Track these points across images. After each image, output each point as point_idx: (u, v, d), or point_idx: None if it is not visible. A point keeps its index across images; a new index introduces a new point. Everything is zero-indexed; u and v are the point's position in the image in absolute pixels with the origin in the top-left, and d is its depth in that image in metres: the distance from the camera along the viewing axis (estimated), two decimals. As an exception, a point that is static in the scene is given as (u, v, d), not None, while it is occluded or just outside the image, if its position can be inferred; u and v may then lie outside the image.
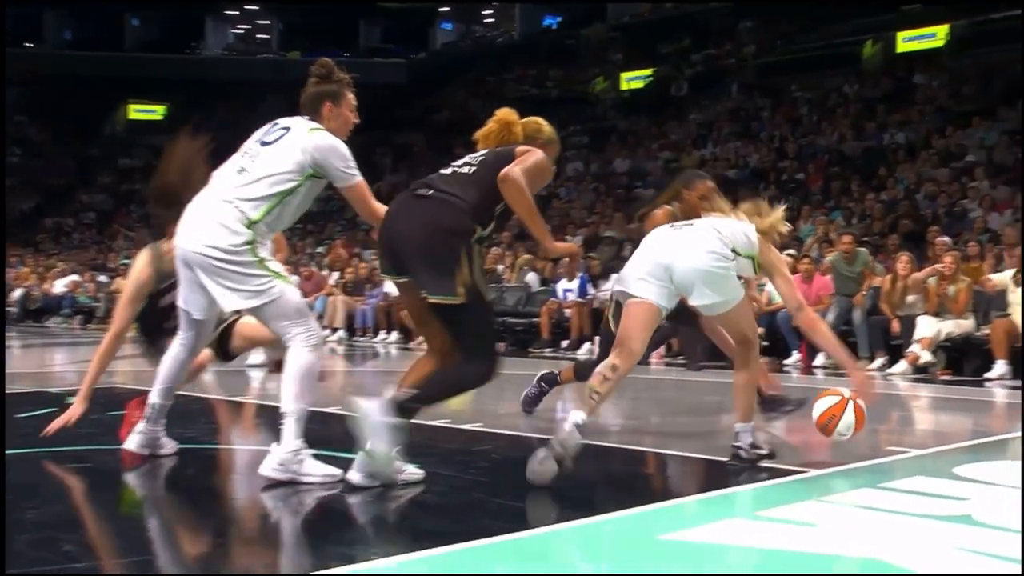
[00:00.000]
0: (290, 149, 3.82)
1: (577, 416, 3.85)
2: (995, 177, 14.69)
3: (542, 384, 6.11)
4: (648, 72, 28.34)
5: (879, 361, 10.03)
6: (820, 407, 4.42)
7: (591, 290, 13.22)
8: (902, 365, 9.73)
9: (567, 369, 6.07)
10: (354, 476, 3.66)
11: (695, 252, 4.14)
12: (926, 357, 9.68)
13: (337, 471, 3.74)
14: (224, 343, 4.93)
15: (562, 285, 13.63)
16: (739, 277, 4.36)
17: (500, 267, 16.19)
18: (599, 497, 3.65)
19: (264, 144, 3.89)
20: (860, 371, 4.65)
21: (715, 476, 4.11)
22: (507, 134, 4.05)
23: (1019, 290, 9.53)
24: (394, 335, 14.98)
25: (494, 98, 30.43)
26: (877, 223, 14.23)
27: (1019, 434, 5.95)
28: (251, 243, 3.74)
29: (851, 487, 3.69)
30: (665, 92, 26.78)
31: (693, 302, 4.23)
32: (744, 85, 24.99)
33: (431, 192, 3.72)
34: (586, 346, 12.66)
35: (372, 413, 3.63)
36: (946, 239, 11.50)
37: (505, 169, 3.70)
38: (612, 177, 21.84)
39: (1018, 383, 8.93)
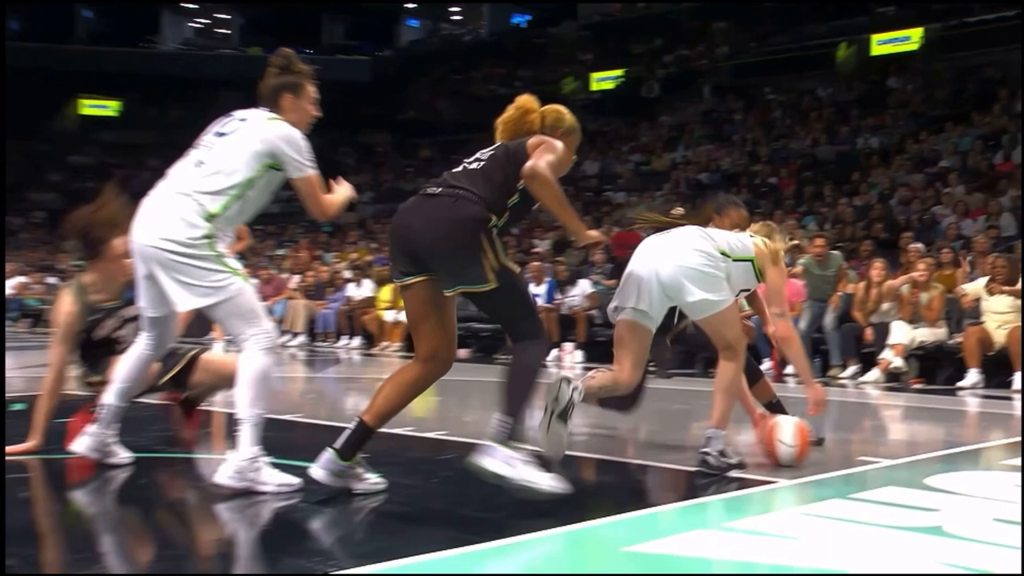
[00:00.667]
0: (248, 140, 3.81)
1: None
2: (969, 183, 14.90)
3: None
4: (619, 72, 28.48)
5: (851, 369, 10.14)
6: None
7: (559, 295, 13.26)
8: (874, 373, 9.84)
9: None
10: (317, 472, 3.65)
11: (680, 250, 4.30)
12: (898, 363, 9.80)
13: (295, 480, 3.72)
14: (183, 375, 4.92)
15: (529, 290, 13.63)
16: (746, 290, 4.55)
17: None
18: (565, 507, 3.65)
19: (221, 135, 3.87)
20: (818, 388, 4.75)
21: (683, 486, 4.14)
22: (526, 122, 3.99)
23: (992, 299, 9.67)
24: (356, 340, 14.93)
25: (461, 98, 30.47)
26: (849, 228, 14.40)
27: (991, 444, 6.04)
28: (210, 237, 3.72)
29: (821, 498, 3.73)
30: (636, 93, 26.93)
31: (681, 301, 4.33)
32: (717, 87, 25.20)
33: (440, 190, 3.72)
34: (553, 353, 12.68)
35: (494, 464, 3.53)
36: (919, 246, 11.64)
37: (530, 163, 3.65)
38: (581, 180, 21.90)
39: (990, 392, 9.07)
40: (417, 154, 28.37)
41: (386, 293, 15.28)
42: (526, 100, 4.07)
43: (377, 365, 12.48)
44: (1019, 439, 6.40)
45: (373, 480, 3.77)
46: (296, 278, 16.92)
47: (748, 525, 3.27)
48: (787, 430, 4.50)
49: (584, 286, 13.27)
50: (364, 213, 24.43)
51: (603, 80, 29.01)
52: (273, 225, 21.64)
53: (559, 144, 3.80)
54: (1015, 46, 19.89)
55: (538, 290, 13.48)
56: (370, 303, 15.23)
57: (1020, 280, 9.63)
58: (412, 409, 8.09)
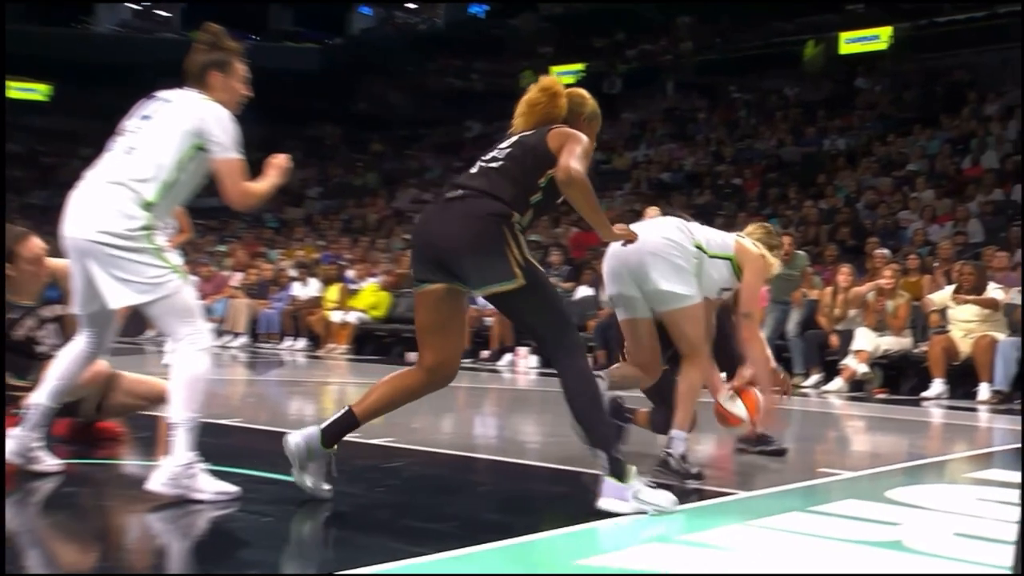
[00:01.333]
0: (175, 121, 3.77)
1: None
2: (936, 187, 15.15)
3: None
4: (579, 67, 28.54)
5: (814, 378, 10.26)
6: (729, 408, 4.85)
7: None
8: (838, 382, 9.97)
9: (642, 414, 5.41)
10: (295, 438, 3.70)
11: (649, 236, 4.35)
12: (862, 370, 9.94)
13: (233, 488, 3.69)
14: (100, 400, 4.86)
15: (558, 291, 13.62)
16: (726, 289, 4.66)
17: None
18: (514, 519, 3.66)
19: (146, 119, 3.83)
20: (772, 397, 4.82)
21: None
22: (556, 106, 3.94)
23: (958, 307, 9.83)
24: (301, 341, 14.83)
25: (415, 90, 30.40)
26: (814, 231, 14.57)
27: (955, 456, 6.15)
28: (148, 228, 3.68)
29: (780, 510, 3.77)
30: (597, 88, 26.98)
31: (646, 289, 4.40)
32: (681, 84, 25.39)
33: (460, 192, 3.73)
34: (507, 357, 12.71)
35: (608, 504, 3.60)
36: (885, 251, 11.82)
37: (563, 167, 3.62)
38: (540, 178, 21.93)
39: (955, 403, 9.23)
40: (368, 148, 28.27)
41: (333, 293, 15.21)
42: (552, 83, 4.01)
43: (323, 368, 12.41)
44: (984, 451, 6.52)
45: (326, 487, 3.75)
46: (238, 276, 16.78)
47: (704, 538, 3.30)
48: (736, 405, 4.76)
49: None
50: (311, 209, 24.30)
51: (563, 74, 28.98)
52: (214, 220, 21.42)
53: (584, 136, 3.78)
54: (985, 48, 20.28)
55: (492, 292, 13.46)
56: (316, 303, 15.14)
57: (987, 289, 9.80)
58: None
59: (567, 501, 4.24)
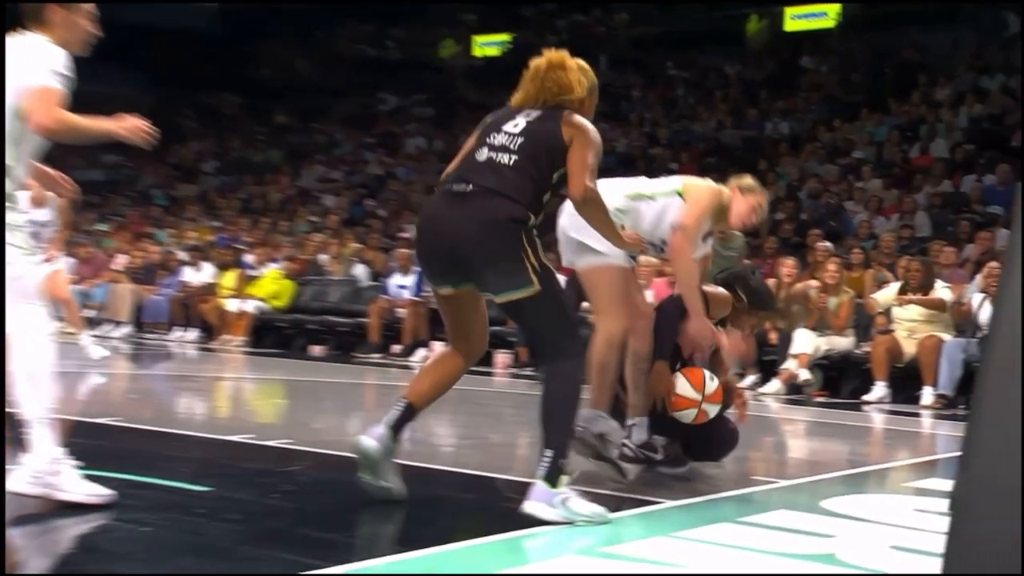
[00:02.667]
0: (18, 67, 3.64)
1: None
2: (883, 177, 15.48)
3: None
4: (505, 37, 28.56)
5: (750, 379, 10.43)
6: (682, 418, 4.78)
7: (428, 288, 13.24)
8: (775, 384, 10.14)
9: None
10: (368, 441, 3.88)
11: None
12: (803, 376, 10.13)
13: (105, 491, 3.62)
14: None
15: (395, 280, 13.63)
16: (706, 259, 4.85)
17: (323, 257, 16.04)
18: (421, 529, 3.66)
19: None
20: (702, 327, 4.79)
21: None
22: (560, 84, 4.04)
23: (903, 306, 10.07)
24: (192, 332, 14.62)
25: (323, 57, 30.10)
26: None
27: (897, 464, 6.32)
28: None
29: (708, 521, 3.83)
30: (524, 61, 26.99)
31: (568, 240, 4.59)
32: (614, 59, 25.51)
33: (471, 188, 3.84)
34: (421, 352, 12.68)
35: (535, 508, 3.66)
36: (828, 244, 12.05)
37: (577, 186, 3.83)
38: (460, 157, 21.91)
39: (897, 407, 9.47)
40: (271, 119, 27.91)
41: (229, 279, 15.03)
42: (563, 58, 4.12)
43: (216, 362, 12.26)
44: (927, 459, 6.70)
45: (399, 484, 3.94)
46: (122, 258, 16.48)
47: (627, 551, 3.34)
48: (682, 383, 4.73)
49: (459, 278, 13.30)
50: (206, 185, 23.94)
51: (487, 45, 29.04)
52: (95, 195, 20.96)
53: (594, 134, 3.93)
54: (936, 27, 20.77)
55: (405, 280, 13.46)
56: (210, 290, 14.95)
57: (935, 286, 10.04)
58: (253, 413, 7.99)
59: (479, 510, 4.25)
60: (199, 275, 15.33)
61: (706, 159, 18.57)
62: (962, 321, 9.92)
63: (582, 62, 4.18)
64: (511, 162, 3.86)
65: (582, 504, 3.69)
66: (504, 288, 3.77)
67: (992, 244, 11.47)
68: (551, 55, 4.13)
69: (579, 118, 3.95)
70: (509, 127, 3.96)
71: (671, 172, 18.25)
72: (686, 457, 4.98)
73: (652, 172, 20.35)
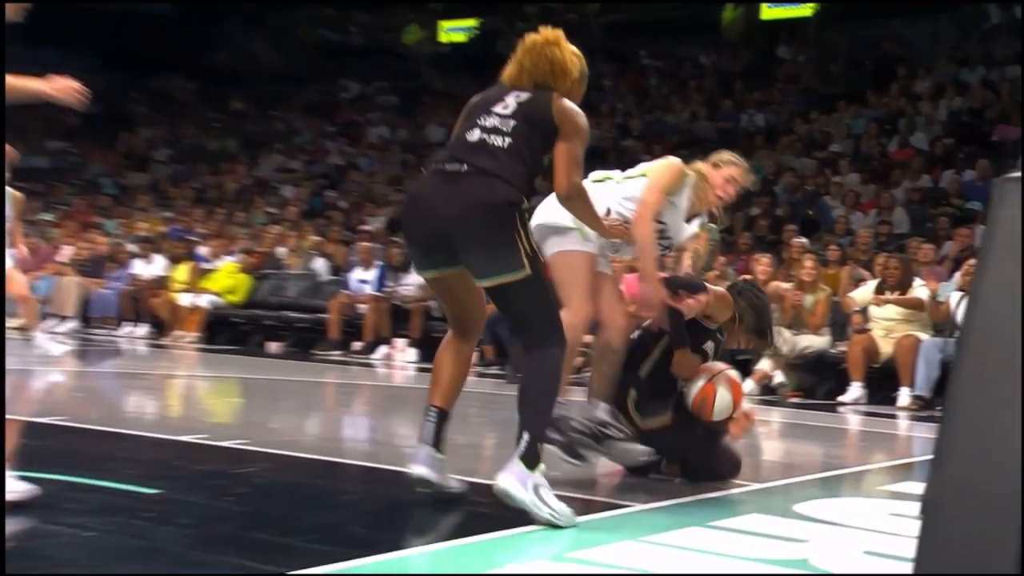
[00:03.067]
0: None
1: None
2: (861, 171, 15.60)
3: None
4: (472, 23, 28.56)
5: (723, 379, 10.47)
6: (689, 394, 4.85)
7: (390, 283, 13.23)
8: (748, 384, 10.19)
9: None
10: (422, 470, 4.03)
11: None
12: (778, 377, 10.19)
13: (31, 487, 3.59)
14: None
15: (356, 275, 13.60)
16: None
17: (281, 250, 15.98)
18: (383, 533, 3.65)
19: None
20: (651, 290, 4.77)
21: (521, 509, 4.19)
22: (551, 65, 4.13)
23: (881, 306, 10.15)
24: (143, 328, 14.52)
25: (283, 41, 29.95)
26: (728, 216, 14.86)
27: (872, 467, 6.37)
28: None
29: (678, 525, 3.85)
30: (492, 48, 27.03)
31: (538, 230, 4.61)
32: (586, 47, 25.37)
33: (465, 168, 3.91)
34: (382, 350, 12.66)
35: (508, 481, 3.76)
36: (803, 240, 12.14)
37: (563, 182, 3.96)
38: (424, 147, 21.88)
39: (873, 409, 9.55)
40: (227, 106, 27.74)
41: (182, 273, 14.95)
42: (558, 37, 4.19)
43: (168, 359, 12.19)
44: (903, 461, 6.77)
45: (457, 483, 4.15)
46: (67, 249, 16.33)
47: (595, 555, 3.34)
48: (721, 401, 4.84)
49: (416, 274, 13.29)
50: (158, 174, 23.75)
51: (454, 31, 29.03)
52: (40, 183, 20.75)
53: (583, 121, 4.02)
54: (916, 18, 20.93)
55: (367, 275, 13.43)
56: (162, 284, 14.86)
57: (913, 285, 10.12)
58: (206, 413, 7.95)
59: (445, 513, 4.24)
60: (150, 268, 15.22)
61: (679, 151, 18.54)
62: (940, 320, 10.01)
63: (570, 46, 4.25)
64: (505, 144, 3.94)
65: (553, 499, 3.74)
66: (494, 272, 3.86)
67: (971, 241, 11.58)
68: (547, 32, 4.20)
69: (569, 103, 4.04)
70: (499, 109, 4.03)
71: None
72: (683, 476, 4.99)
73: (623, 164, 20.36)
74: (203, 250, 15.85)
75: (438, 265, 4.02)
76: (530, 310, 3.92)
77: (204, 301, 14.29)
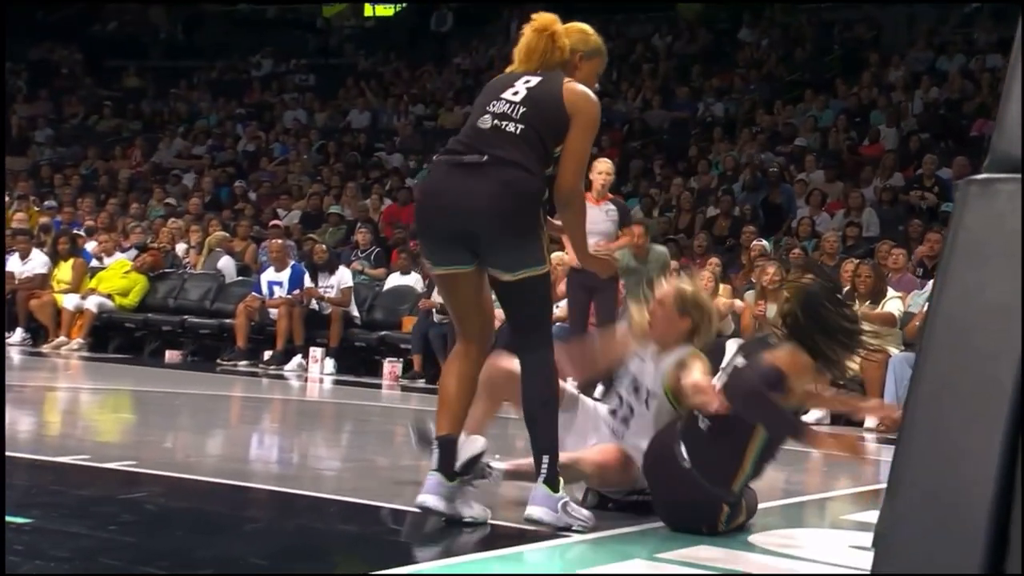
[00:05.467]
0: None
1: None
2: (828, 168, 15.79)
3: None
4: (402, -5, 28.54)
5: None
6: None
7: (308, 283, 13.17)
8: (702, 402, 10.28)
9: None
10: (429, 499, 4.16)
11: None
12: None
13: None
14: None
15: (268, 276, 13.53)
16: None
17: (181, 247, 15.85)
18: (294, 563, 3.65)
19: None
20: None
21: (446, 536, 4.20)
22: (552, 49, 4.37)
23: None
24: (18, 333, 14.32)
25: (185, 11, 29.70)
26: (687, 216, 14.99)
27: (835, 494, 6.46)
28: None
29: (620, 557, 3.88)
30: (423, 25, 27.06)
31: None
32: (527, 25, 25.63)
33: (484, 158, 4.13)
34: (296, 360, 12.61)
35: (537, 512, 4.11)
36: (764, 243, 12.26)
37: (566, 184, 4.21)
38: (345, 134, 21.82)
39: (837, 430, 9.66)
40: (120, 82, 27.44)
41: (66, 271, 14.76)
42: (549, 21, 4.42)
43: (47, 368, 12.05)
44: (868, 488, 6.86)
45: (480, 509, 4.25)
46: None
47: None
48: None
49: (343, 275, 13.24)
50: (39, 157, 23.41)
51: (380, 5, 28.99)
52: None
53: (595, 110, 4.27)
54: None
55: (280, 276, 13.35)
56: (42, 284, 14.65)
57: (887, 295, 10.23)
58: (91, 430, 7.86)
59: (360, 543, 4.25)
60: (28, 266, 14.97)
61: (629, 143, 18.76)
62: (913, 336, 10.13)
63: (579, 25, 4.60)
64: (518, 131, 4.17)
65: (577, 509, 4.17)
66: (520, 265, 4.13)
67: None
68: (535, 24, 4.47)
69: (582, 89, 4.26)
70: (508, 95, 4.26)
71: (591, 157, 18.43)
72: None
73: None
74: (91, 246, 15.65)
75: (456, 263, 4.23)
76: (532, 308, 4.23)
77: (91, 304, 14.11)
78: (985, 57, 17.88)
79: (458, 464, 4.29)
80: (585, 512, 4.20)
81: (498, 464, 4.61)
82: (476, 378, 4.39)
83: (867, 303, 10.15)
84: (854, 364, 4.85)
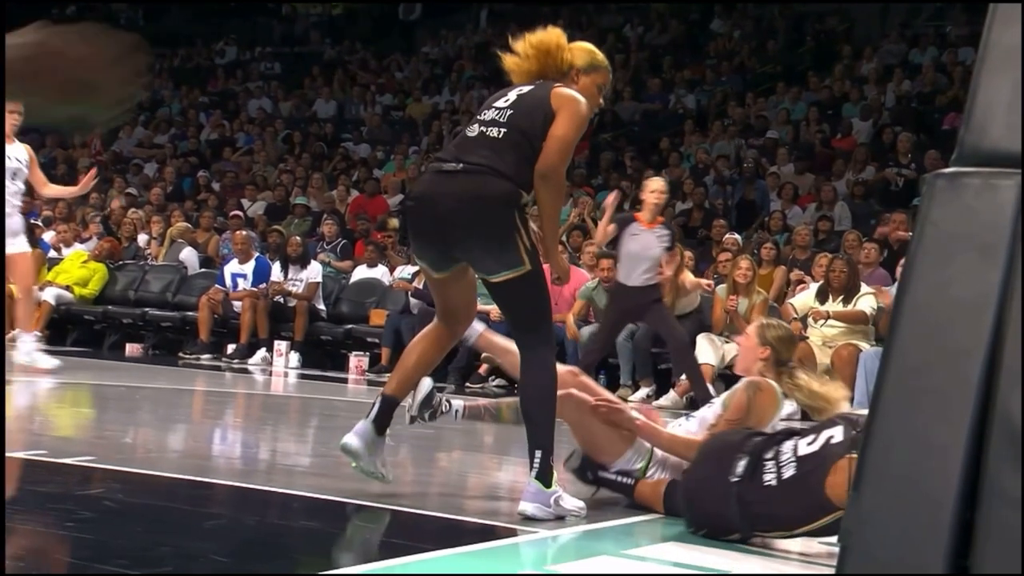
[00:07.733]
0: None
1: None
2: (799, 161, 15.88)
3: None
4: (370, -17, 28.44)
5: (644, 391, 10.60)
6: None
7: (275, 276, 13.13)
8: (671, 396, 10.32)
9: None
10: (352, 440, 4.45)
11: None
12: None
13: None
14: None
15: (231, 268, 13.48)
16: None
17: (143, 238, 15.76)
18: (256, 561, 3.64)
19: None
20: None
21: (409, 533, 4.21)
22: (547, 65, 4.56)
23: (820, 310, 10.30)
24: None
25: (147, 2, 29.49)
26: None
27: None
28: None
29: (585, 554, 3.90)
30: (391, 14, 27.00)
31: None
32: (496, 14, 25.61)
33: (461, 166, 4.34)
34: (260, 354, 12.57)
35: (530, 508, 4.27)
36: (736, 237, 12.30)
37: (547, 158, 4.28)
38: (311, 123, 21.76)
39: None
40: (81, 70, 27.24)
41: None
42: (543, 40, 4.54)
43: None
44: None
45: (387, 470, 4.57)
46: None
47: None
48: None
49: (314, 269, 13.21)
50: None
51: (346, -11, 28.87)
52: None
53: (583, 107, 4.37)
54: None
55: (244, 268, 13.31)
56: None
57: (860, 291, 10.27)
58: (47, 425, 7.83)
59: (322, 540, 4.24)
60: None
61: (600, 135, 18.79)
62: (885, 331, 10.20)
63: (584, 45, 4.70)
64: (501, 135, 4.34)
65: (570, 500, 4.34)
66: (495, 269, 4.31)
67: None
68: (530, 41, 4.57)
69: (569, 91, 4.40)
70: (500, 103, 4.46)
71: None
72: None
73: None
74: (48, 236, 15.55)
75: (448, 267, 4.46)
76: (525, 306, 4.39)
77: (48, 295, 14.01)
78: (957, 51, 18.01)
79: (415, 408, 4.71)
80: (578, 503, 4.35)
81: (456, 400, 5.05)
82: (436, 361, 4.71)
83: (840, 299, 10.20)
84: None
